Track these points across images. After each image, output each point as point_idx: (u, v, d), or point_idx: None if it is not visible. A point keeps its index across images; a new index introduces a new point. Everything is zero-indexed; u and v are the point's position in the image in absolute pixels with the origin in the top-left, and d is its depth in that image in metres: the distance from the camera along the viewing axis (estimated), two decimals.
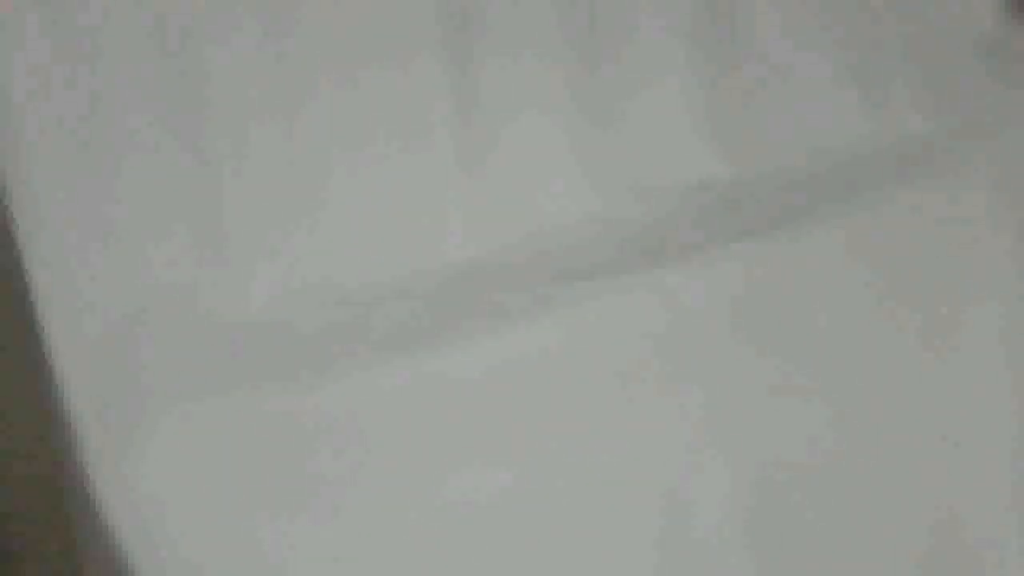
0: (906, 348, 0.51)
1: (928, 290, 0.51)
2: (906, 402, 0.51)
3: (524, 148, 0.56)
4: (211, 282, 0.56)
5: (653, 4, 0.54)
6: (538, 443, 0.55)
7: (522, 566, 0.55)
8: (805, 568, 0.52)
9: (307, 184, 0.59)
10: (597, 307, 0.55)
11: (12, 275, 0.62)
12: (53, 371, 0.61)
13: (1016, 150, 0.49)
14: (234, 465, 0.58)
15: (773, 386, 0.53)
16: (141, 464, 0.59)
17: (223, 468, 0.59)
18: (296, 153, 0.57)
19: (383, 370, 0.56)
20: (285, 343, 0.57)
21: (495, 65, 0.56)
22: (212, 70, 0.56)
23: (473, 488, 0.56)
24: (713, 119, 0.53)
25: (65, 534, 0.62)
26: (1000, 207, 0.50)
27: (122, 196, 0.60)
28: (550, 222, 0.56)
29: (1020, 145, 0.48)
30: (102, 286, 0.60)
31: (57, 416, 0.61)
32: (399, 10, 0.58)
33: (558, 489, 0.55)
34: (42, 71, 0.61)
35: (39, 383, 0.62)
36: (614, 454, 0.54)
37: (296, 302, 0.58)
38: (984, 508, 0.50)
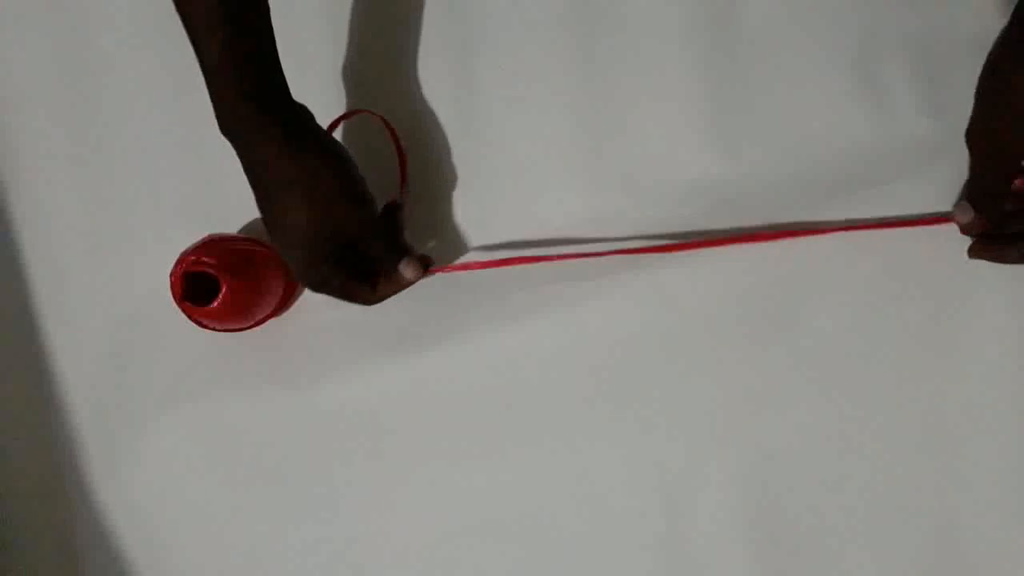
0: (907, 347, 0.52)
1: (929, 290, 0.51)
2: (907, 401, 0.51)
3: (522, 149, 0.56)
4: None
5: (654, 4, 0.54)
6: (538, 442, 0.55)
7: (522, 565, 0.55)
8: (804, 567, 0.52)
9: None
10: (598, 306, 0.55)
11: (11, 276, 0.62)
12: (51, 371, 0.61)
13: None
14: (232, 464, 0.58)
15: (774, 385, 0.53)
16: (137, 464, 0.59)
17: (220, 467, 0.58)
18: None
19: (381, 370, 0.57)
20: (282, 344, 0.57)
21: (493, 63, 0.56)
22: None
23: (472, 487, 0.56)
24: (713, 119, 0.54)
25: (62, 533, 0.61)
26: None
27: (118, 198, 0.60)
28: (549, 222, 0.56)
29: None
30: (100, 288, 0.60)
31: (55, 416, 0.61)
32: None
33: (558, 487, 0.55)
34: (41, 74, 0.61)
35: (38, 383, 0.62)
36: (615, 452, 0.54)
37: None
38: (984, 510, 0.50)
